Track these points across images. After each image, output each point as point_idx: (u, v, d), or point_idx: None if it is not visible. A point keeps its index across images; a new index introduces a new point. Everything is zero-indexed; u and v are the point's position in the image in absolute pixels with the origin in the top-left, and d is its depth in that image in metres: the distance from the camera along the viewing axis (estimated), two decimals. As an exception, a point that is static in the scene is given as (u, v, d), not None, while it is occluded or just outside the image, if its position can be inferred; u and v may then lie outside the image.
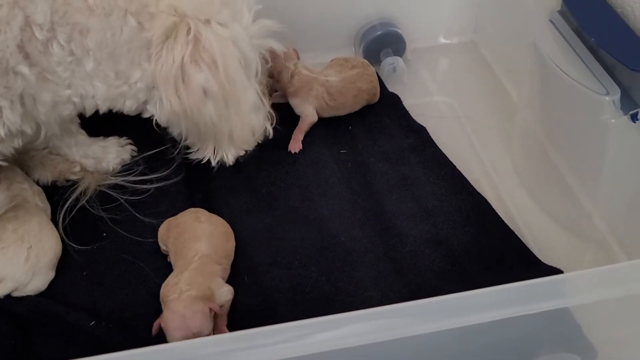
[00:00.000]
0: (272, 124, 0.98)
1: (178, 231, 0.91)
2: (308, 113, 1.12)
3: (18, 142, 0.87)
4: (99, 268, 0.93)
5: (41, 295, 0.89)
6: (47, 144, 1.01)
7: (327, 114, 1.14)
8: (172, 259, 0.91)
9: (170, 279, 0.85)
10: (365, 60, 1.18)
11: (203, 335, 0.78)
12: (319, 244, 0.96)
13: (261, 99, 0.94)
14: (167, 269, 0.92)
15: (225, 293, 0.85)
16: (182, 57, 0.82)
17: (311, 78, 1.12)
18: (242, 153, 0.96)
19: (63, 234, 0.95)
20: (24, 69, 0.79)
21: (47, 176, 1.02)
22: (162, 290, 0.84)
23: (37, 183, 1.01)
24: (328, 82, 1.12)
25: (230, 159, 0.95)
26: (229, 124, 0.90)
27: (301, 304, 0.88)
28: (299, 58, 1.15)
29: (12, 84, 0.80)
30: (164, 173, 1.04)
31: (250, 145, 0.96)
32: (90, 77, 0.83)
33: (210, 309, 0.81)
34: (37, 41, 0.78)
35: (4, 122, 0.82)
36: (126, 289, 0.91)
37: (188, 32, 0.82)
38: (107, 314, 0.87)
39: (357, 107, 1.15)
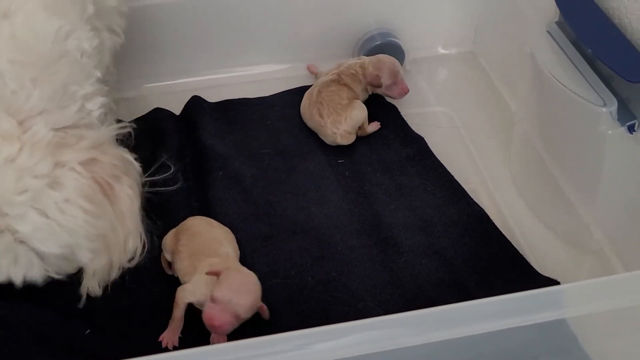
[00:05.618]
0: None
1: (191, 233, 0.91)
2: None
3: None
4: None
5: (34, 303, 0.88)
6: None
7: None
8: (185, 260, 0.89)
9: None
10: (353, 115, 1.11)
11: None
12: (316, 254, 0.96)
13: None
14: (165, 277, 0.92)
15: None
16: None
17: (340, 69, 1.17)
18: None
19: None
20: None
21: None
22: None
23: None
24: (322, 79, 1.16)
25: None
26: None
27: (297, 313, 0.88)
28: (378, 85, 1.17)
29: None
30: (162, 182, 1.04)
31: None
32: None
33: None
34: None
35: None
36: (123, 296, 0.90)
37: None
38: (103, 323, 0.87)
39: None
